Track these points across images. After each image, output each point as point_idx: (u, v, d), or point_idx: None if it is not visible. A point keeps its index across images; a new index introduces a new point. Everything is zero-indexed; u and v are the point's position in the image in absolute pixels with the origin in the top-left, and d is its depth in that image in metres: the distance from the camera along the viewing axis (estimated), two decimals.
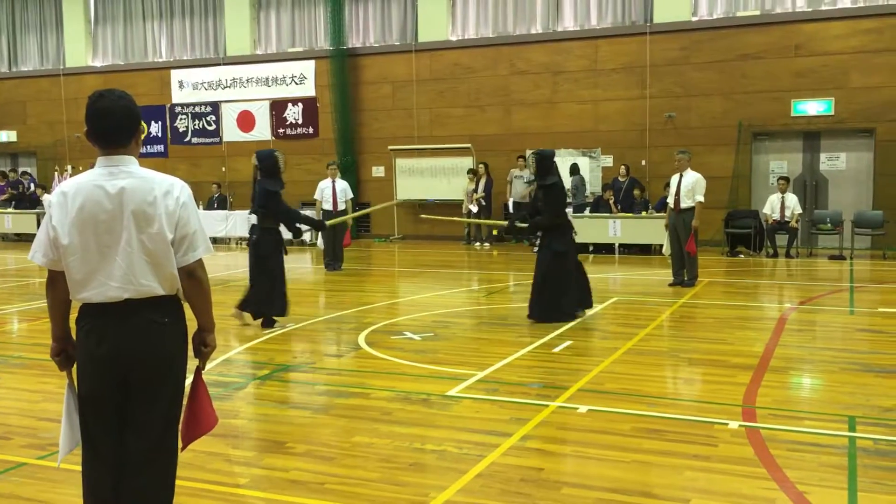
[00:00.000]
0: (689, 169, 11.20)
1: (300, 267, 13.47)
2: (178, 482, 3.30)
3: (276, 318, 8.55)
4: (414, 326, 8.47)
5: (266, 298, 8.43)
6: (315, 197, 13.78)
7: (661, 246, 13.99)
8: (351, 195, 13.78)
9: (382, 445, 4.76)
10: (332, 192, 13.45)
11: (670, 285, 11.20)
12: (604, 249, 15.85)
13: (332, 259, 13.48)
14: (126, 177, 3.03)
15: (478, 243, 17.39)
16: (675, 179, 11.29)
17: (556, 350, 7.26)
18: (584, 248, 15.78)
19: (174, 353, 3.12)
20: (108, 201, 2.99)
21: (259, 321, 8.52)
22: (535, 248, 8.80)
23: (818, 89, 15.81)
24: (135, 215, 2.99)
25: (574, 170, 16.99)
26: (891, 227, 14.73)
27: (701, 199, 11.03)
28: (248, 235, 9.03)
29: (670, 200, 11.35)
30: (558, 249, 8.58)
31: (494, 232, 17.98)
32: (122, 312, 3.01)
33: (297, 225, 8.77)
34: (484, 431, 4.96)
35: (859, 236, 14.80)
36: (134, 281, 3.00)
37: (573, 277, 8.69)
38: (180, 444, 3.26)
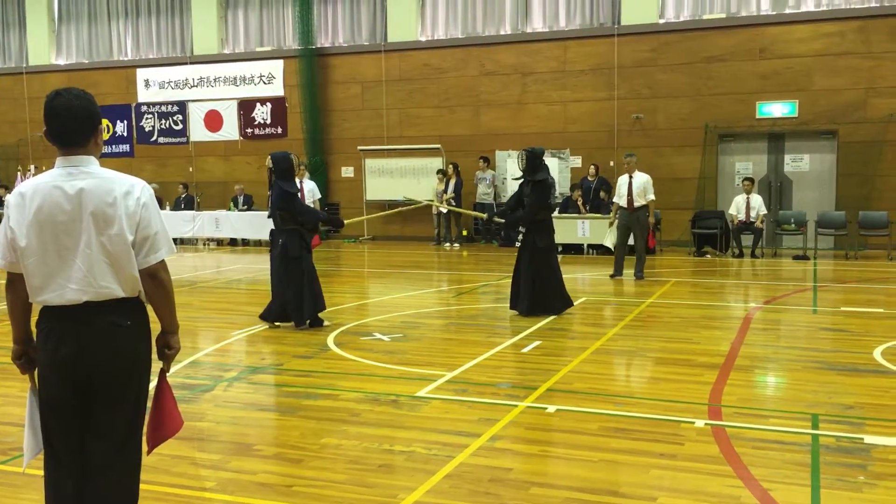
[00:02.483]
0: (636, 170, 11.91)
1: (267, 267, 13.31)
2: (143, 486, 3.25)
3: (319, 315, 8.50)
4: (383, 327, 8.45)
5: (308, 300, 8.33)
6: None
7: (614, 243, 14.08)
8: (319, 195, 13.64)
9: (351, 447, 4.74)
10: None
11: (612, 276, 11.96)
12: (573, 250, 15.94)
13: None
14: (85, 177, 2.98)
15: (447, 244, 17.40)
16: (624, 180, 11.98)
17: (526, 350, 7.29)
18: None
19: (137, 355, 3.08)
20: (66, 202, 2.94)
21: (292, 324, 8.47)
22: (518, 244, 9.10)
23: (782, 91, 16.05)
24: (94, 216, 2.94)
25: None
26: (853, 228, 15.00)
27: (652, 197, 11.90)
28: (269, 239, 8.85)
29: (619, 200, 12.02)
30: (541, 245, 8.92)
31: (465, 233, 18.00)
32: (83, 315, 2.96)
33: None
34: (453, 432, 4.96)
35: (822, 236, 15.05)
36: (94, 283, 2.95)
37: (560, 272, 9.13)
38: (145, 448, 3.22)
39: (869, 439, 4.73)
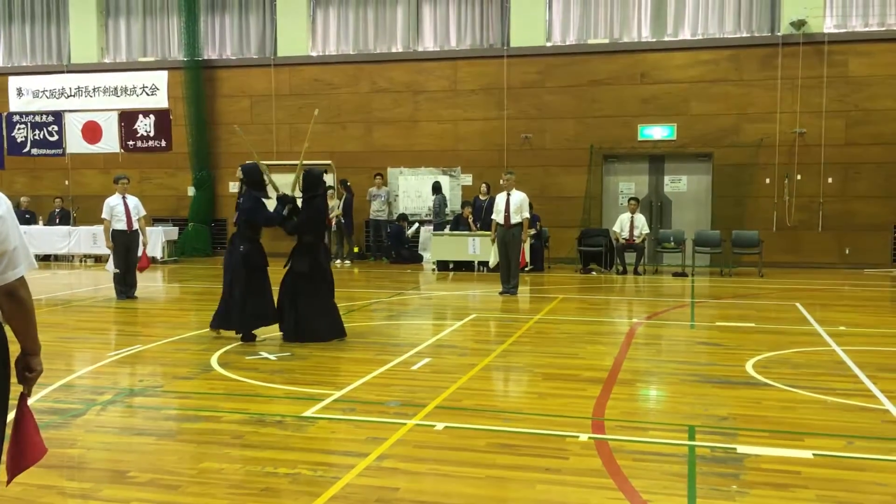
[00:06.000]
0: (514, 189, 12.23)
1: (149, 284, 12.81)
2: None
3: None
4: (270, 346, 8.25)
5: (259, 312, 8.49)
6: (103, 216, 11.90)
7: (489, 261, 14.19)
8: (144, 212, 12.40)
9: (233, 471, 4.57)
10: (123, 208, 11.81)
11: (501, 293, 12.23)
12: (464, 267, 16.07)
13: (124, 285, 11.85)
14: None
15: (339, 261, 17.22)
16: (502, 198, 12.30)
17: (415, 368, 7.26)
18: (444, 265, 15.97)
19: None
20: None
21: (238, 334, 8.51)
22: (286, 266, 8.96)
23: (662, 115, 16.77)
24: None
25: (436, 188, 17.27)
26: (727, 246, 15.77)
27: (528, 215, 12.31)
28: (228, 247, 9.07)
29: (497, 217, 12.34)
30: (302, 270, 8.70)
31: (356, 249, 17.87)
32: None
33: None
34: (339, 452, 4.86)
35: (699, 254, 15.75)
36: None
37: (328, 299, 8.68)
38: (5, 479, 3.00)
39: (742, 449, 4.92)
